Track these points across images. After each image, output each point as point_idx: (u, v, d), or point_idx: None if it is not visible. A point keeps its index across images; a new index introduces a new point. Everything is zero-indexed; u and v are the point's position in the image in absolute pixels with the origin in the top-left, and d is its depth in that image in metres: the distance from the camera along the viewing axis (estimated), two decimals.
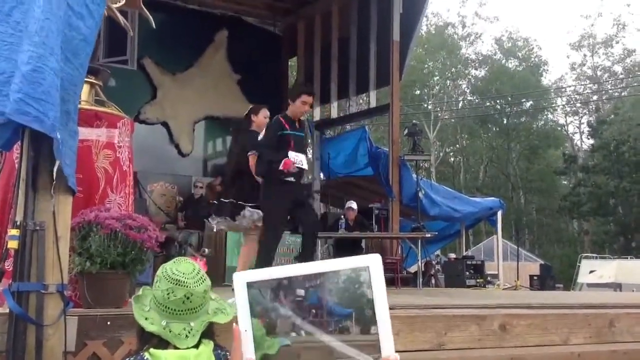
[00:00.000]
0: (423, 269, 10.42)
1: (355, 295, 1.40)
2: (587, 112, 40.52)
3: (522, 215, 36.93)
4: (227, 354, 2.14)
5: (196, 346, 2.06)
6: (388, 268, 10.17)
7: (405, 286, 10.02)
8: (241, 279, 1.43)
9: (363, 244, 10.71)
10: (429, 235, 9.59)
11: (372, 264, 1.39)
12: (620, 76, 40.10)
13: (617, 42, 40.76)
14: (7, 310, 2.51)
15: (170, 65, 12.20)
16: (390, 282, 9.53)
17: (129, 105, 7.69)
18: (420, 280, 9.41)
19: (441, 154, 36.99)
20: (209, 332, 2.15)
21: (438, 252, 16.36)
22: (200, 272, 2.13)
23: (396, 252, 10.61)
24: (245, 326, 1.41)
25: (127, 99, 8.23)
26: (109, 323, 2.79)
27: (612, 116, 35.02)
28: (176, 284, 2.05)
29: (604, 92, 40.06)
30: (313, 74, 12.92)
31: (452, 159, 40.73)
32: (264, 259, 5.71)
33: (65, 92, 2.35)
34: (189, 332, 2.05)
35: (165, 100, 12.29)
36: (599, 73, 41.24)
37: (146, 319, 2.09)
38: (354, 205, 10.18)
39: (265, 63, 12.95)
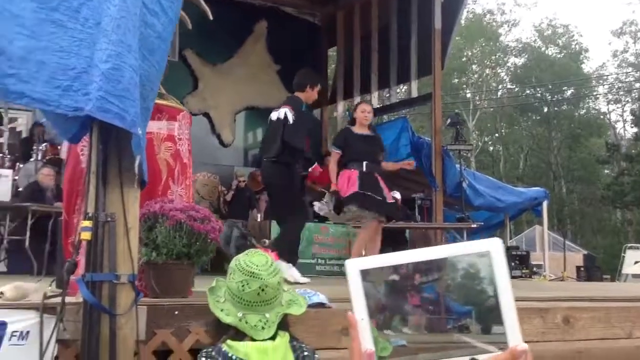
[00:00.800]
0: None
1: (475, 292, 1.35)
2: (629, 100, 39.62)
3: (564, 205, 36.36)
4: (303, 345, 2.15)
5: (273, 338, 2.07)
6: None
7: None
8: (354, 266, 1.39)
9: (407, 235, 10.66)
10: (475, 226, 9.51)
11: (493, 248, 1.34)
12: None
13: None
14: (81, 300, 2.56)
15: (211, 56, 12.28)
16: None
17: (172, 96, 7.79)
18: None
19: (480, 143, 36.57)
20: (284, 323, 2.16)
21: None
22: (274, 264, 2.14)
23: (440, 243, 10.54)
24: (362, 315, 1.37)
25: (170, 90, 8.32)
26: (176, 312, 2.83)
27: None
28: (251, 276, 2.07)
29: None
30: (353, 63, 12.87)
31: (491, 148, 40.25)
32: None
33: (143, 89, 2.39)
34: (265, 324, 2.06)
35: (207, 91, 12.38)
36: None
37: (222, 310, 2.10)
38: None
39: (304, 53, 12.93)
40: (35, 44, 2.14)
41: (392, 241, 10.15)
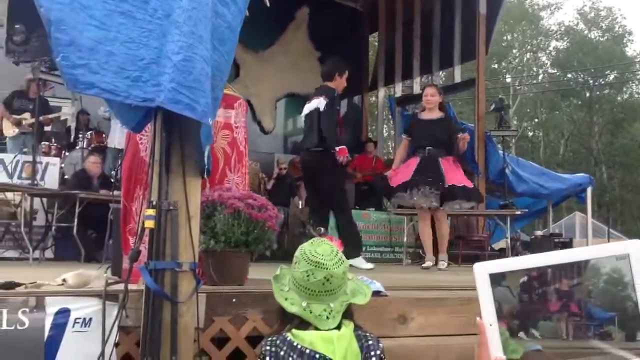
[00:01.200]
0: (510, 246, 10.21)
1: (619, 298, 1.29)
2: None
3: (605, 191, 35.70)
4: (368, 334, 2.14)
5: (338, 327, 2.06)
6: (475, 246, 10.04)
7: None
8: (483, 269, 1.34)
9: (449, 222, 10.57)
10: (519, 213, 9.39)
11: (633, 251, 1.27)
12: None
13: None
14: (143, 287, 2.59)
15: (252, 43, 12.28)
16: (477, 260, 9.40)
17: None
18: (510, 257, 9.23)
19: (520, 129, 36.06)
20: (348, 312, 2.15)
21: (518, 229, 16.03)
22: (339, 253, 2.13)
23: (483, 230, 10.44)
24: (491, 320, 1.32)
25: None
26: (234, 300, 2.85)
27: None
28: (316, 265, 2.06)
29: None
30: (395, 49, 12.77)
31: (531, 134, 39.65)
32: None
33: (214, 80, 2.40)
34: (330, 314, 2.06)
35: (248, 78, 12.41)
36: None
37: (286, 299, 2.10)
38: None
39: (346, 39, 12.88)
40: (104, 34, 2.16)
41: (434, 228, 10.08)
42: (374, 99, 14.40)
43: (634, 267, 1.23)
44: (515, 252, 11.99)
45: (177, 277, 2.52)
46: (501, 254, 10.64)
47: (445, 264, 6.73)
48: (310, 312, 2.04)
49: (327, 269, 2.04)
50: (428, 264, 6.89)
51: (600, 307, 1.27)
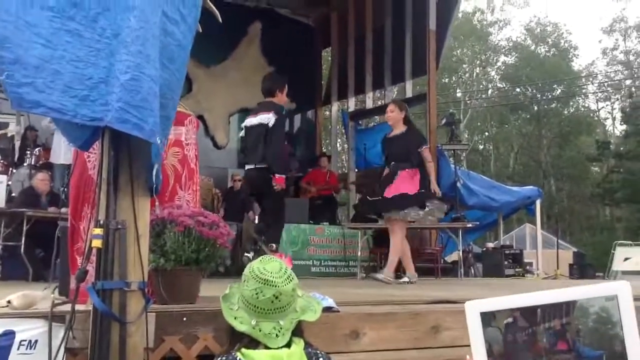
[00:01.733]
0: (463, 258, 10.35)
1: (607, 336, 1.32)
2: (619, 98, 39.88)
3: (554, 203, 36.55)
4: (318, 352, 2.14)
5: (288, 345, 2.06)
6: (427, 259, 10.14)
7: (445, 276, 9.98)
8: (474, 308, 1.36)
9: None
10: (471, 225, 9.54)
11: (620, 292, 1.31)
12: None
13: None
14: (90, 308, 2.55)
15: (204, 58, 12.24)
16: (429, 273, 9.51)
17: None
18: (462, 270, 9.37)
19: (471, 143, 36.70)
20: (298, 330, 2.15)
21: (470, 242, 16.28)
22: (288, 270, 2.13)
23: (435, 243, 10.56)
24: (480, 357, 1.34)
25: None
26: (185, 319, 2.82)
27: None
28: (265, 283, 2.05)
29: (636, 77, 39.37)
30: (347, 64, 12.89)
31: (482, 147, 40.40)
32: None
33: (164, 99, 2.39)
34: (279, 332, 2.05)
35: (200, 94, 12.37)
36: (631, 58, 40.54)
37: (235, 318, 2.09)
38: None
39: (299, 55, 12.96)
40: (50, 53, 2.14)
41: (387, 242, 10.17)
42: (328, 113, 14.50)
43: (621, 307, 1.27)
44: (467, 265, 12.18)
45: (126, 296, 2.49)
46: (454, 266, 10.78)
47: (406, 279, 6.78)
48: (260, 331, 2.03)
49: (276, 286, 2.04)
50: (379, 276, 6.96)
51: (589, 346, 1.30)
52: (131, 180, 2.51)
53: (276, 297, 2.04)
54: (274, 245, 4.78)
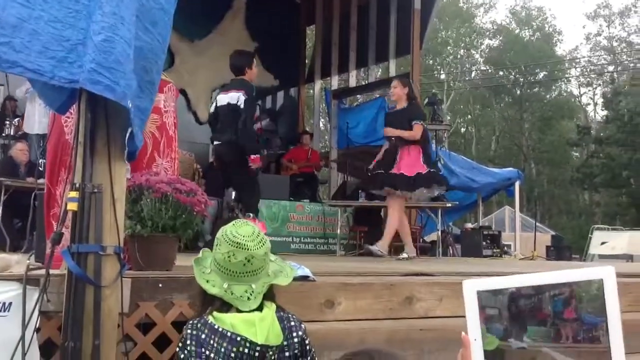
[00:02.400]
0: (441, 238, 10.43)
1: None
2: (601, 84, 40.15)
3: (534, 186, 36.87)
4: (290, 315, 2.16)
5: (260, 309, 2.07)
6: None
7: (423, 255, 10.05)
8: (471, 286, 1.39)
9: (382, 213, 10.72)
10: (450, 205, 9.60)
11: (606, 276, 1.35)
12: (637, 47, 39.62)
13: (635, 13, 40.21)
14: (65, 272, 2.55)
15: (188, 32, 12.11)
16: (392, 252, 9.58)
17: None
18: (440, 249, 9.46)
19: (453, 125, 36.82)
20: (270, 294, 2.16)
21: (450, 222, 16.41)
22: (260, 234, 2.14)
23: (414, 222, 10.62)
24: (475, 335, 1.37)
25: None
26: (160, 285, 2.82)
27: (627, 87, 34.68)
28: (237, 246, 2.06)
29: (619, 63, 39.63)
30: (331, 42, 12.83)
31: (464, 130, 40.56)
32: None
33: (147, 62, 2.38)
34: (251, 294, 2.06)
35: (183, 68, 12.24)
36: (614, 44, 40.76)
37: (207, 281, 2.10)
38: None
39: (283, 31, 12.88)
40: (28, 12, 2.11)
41: (367, 220, 10.22)
42: (311, 91, 14.45)
43: (607, 291, 1.31)
44: (446, 245, 12.27)
45: (101, 260, 2.48)
46: (432, 246, 10.86)
47: (404, 255, 6.87)
48: (232, 294, 2.04)
49: (248, 249, 2.05)
50: (374, 248, 7.07)
51: (592, 314, 1.35)
52: (108, 143, 2.49)
53: (248, 260, 2.05)
54: (251, 214, 4.80)
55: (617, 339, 1.32)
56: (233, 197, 10.63)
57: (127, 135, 2.35)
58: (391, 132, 6.76)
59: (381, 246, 6.89)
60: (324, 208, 10.26)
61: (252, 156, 6.12)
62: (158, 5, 2.41)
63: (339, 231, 9.78)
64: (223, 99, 6.34)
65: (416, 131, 6.77)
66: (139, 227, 2.89)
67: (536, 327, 1.38)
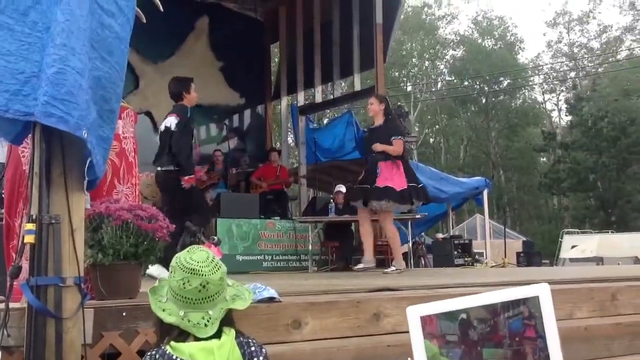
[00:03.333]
0: (412, 250, 10.50)
1: None
2: (564, 90, 40.88)
3: (503, 193, 37.29)
4: (250, 340, 2.14)
5: (218, 336, 2.05)
6: (379, 250, 10.23)
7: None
8: (415, 312, 1.40)
9: (353, 228, 10.75)
10: (419, 217, 9.66)
11: (541, 293, 1.39)
12: (597, 52, 40.46)
13: (594, 19, 41.10)
14: (25, 305, 2.50)
15: (151, 54, 12.11)
16: (381, 264, 9.60)
17: None
18: (411, 261, 9.51)
19: (421, 136, 37.15)
20: (229, 319, 2.14)
21: (422, 233, 16.52)
22: (215, 259, 2.12)
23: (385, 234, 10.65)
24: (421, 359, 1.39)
25: None
26: (124, 314, 2.79)
27: (589, 92, 35.37)
28: (191, 273, 2.04)
29: (580, 68, 40.41)
30: (296, 59, 12.90)
31: (432, 140, 40.94)
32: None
33: (106, 91, 2.38)
34: (208, 321, 2.04)
35: (148, 90, 12.22)
36: (575, 50, 41.57)
37: (164, 310, 2.08)
38: (343, 189, 10.22)
39: (247, 49, 12.93)
40: None
41: (338, 235, 10.23)
42: (279, 107, 14.50)
43: (542, 307, 1.34)
44: (418, 256, 12.34)
45: (61, 292, 2.45)
46: (405, 257, 10.91)
47: (392, 268, 6.90)
48: (189, 321, 2.02)
49: (202, 275, 2.03)
50: (360, 265, 7.15)
51: (543, 332, 1.38)
52: (64, 173, 2.47)
53: (203, 286, 2.03)
54: (215, 237, 4.78)
55: (555, 353, 1.35)
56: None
57: (87, 164, 2.33)
58: (379, 147, 6.85)
59: (397, 264, 7.02)
60: (294, 225, 10.27)
61: (186, 177, 6.22)
62: (113, 34, 2.41)
63: (310, 247, 9.78)
64: (162, 125, 6.52)
65: (397, 146, 6.92)
66: (101, 255, 2.86)
67: (493, 349, 1.41)
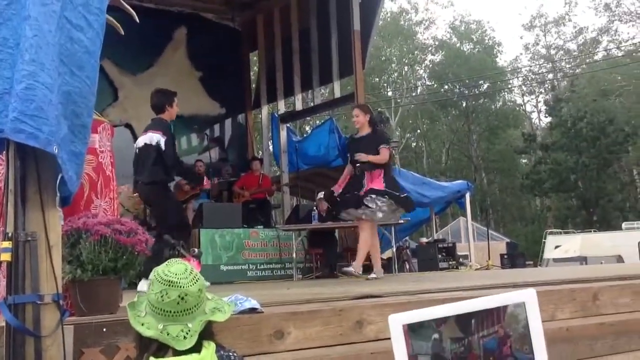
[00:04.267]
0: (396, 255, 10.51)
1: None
2: (543, 91, 41.26)
3: (486, 196, 37.51)
4: (231, 353, 2.13)
5: (198, 350, 2.04)
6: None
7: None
8: (397, 320, 1.39)
9: (336, 234, 10.76)
10: (402, 222, 9.67)
11: (527, 299, 1.39)
12: (574, 54, 40.90)
13: (570, 21, 41.55)
14: (3, 324, 2.47)
15: (130, 65, 12.06)
16: (365, 270, 9.61)
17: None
18: (395, 266, 9.52)
19: (403, 140, 37.29)
20: (209, 332, 2.12)
21: (406, 237, 16.56)
22: (193, 271, 2.11)
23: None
24: None
25: None
26: (104, 330, 2.76)
27: (568, 93, 35.71)
28: (169, 285, 2.03)
29: (558, 70, 40.81)
30: (275, 67, 12.90)
31: (414, 144, 41.10)
32: None
33: (77, 106, 2.37)
34: (187, 333, 2.02)
35: (127, 102, 12.16)
36: (552, 52, 41.98)
37: (142, 324, 2.06)
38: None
39: (226, 59, 12.93)
40: None
41: (322, 242, 10.23)
42: (259, 116, 14.49)
43: (529, 313, 1.34)
44: (402, 260, 12.37)
45: (39, 310, 2.42)
46: (389, 262, 10.92)
47: (373, 275, 6.92)
48: (168, 334, 2.00)
49: (181, 287, 2.02)
50: (350, 269, 7.18)
51: (520, 350, 1.37)
52: (40, 190, 2.45)
53: (182, 298, 2.02)
54: (195, 249, 4.77)
55: (541, 356, 1.35)
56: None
57: (58, 180, 2.31)
58: (364, 157, 6.88)
59: (356, 267, 7.06)
60: (278, 233, 10.24)
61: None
62: (83, 49, 2.40)
63: (294, 255, 9.76)
64: (141, 140, 6.54)
65: (384, 154, 6.97)
66: (79, 271, 2.84)
67: None
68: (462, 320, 1.42)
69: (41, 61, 2.20)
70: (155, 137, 6.35)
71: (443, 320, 1.43)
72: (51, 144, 2.20)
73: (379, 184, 6.92)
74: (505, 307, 1.45)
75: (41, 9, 2.26)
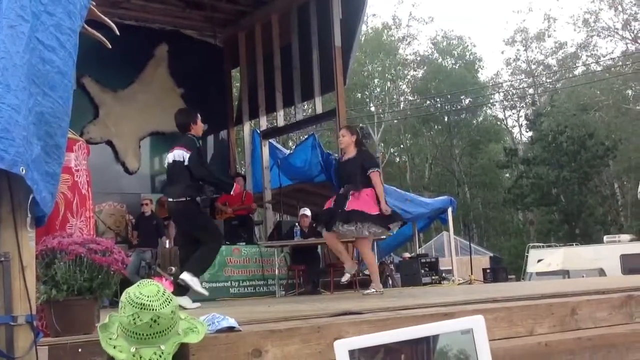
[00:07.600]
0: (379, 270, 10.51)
1: None
2: (524, 106, 41.63)
3: (469, 210, 37.66)
4: None
5: None
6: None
7: (363, 288, 10.08)
8: (343, 346, 1.38)
9: (319, 250, 10.74)
10: (385, 237, 9.68)
11: (475, 326, 1.37)
12: (554, 69, 41.36)
13: (549, 36, 42.02)
14: None
15: (110, 82, 12.04)
16: (348, 286, 9.59)
17: (71, 126, 7.53)
18: None
19: (387, 156, 37.41)
20: (183, 354, 2.11)
21: (390, 253, 16.57)
22: (166, 292, 2.09)
23: (352, 256, 10.65)
24: None
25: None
26: (80, 350, 2.73)
27: (549, 108, 36.06)
28: (141, 308, 2.01)
29: (539, 85, 41.22)
30: (257, 83, 12.93)
31: (397, 159, 41.25)
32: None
33: (50, 127, 2.36)
34: (160, 356, 2.00)
35: (108, 119, 12.13)
36: (533, 67, 42.41)
37: (114, 347, 2.04)
38: (308, 212, 10.23)
39: (207, 75, 12.94)
40: None
41: (304, 258, 10.20)
42: (241, 133, 14.49)
43: (476, 340, 1.33)
44: (384, 275, 12.37)
45: (13, 331, 2.40)
46: None
47: (372, 290, 6.82)
48: (140, 357, 1.98)
49: (153, 310, 2.00)
50: (344, 277, 7.22)
51: None
52: (13, 210, 2.43)
53: (154, 321, 2.00)
54: (172, 268, 4.74)
55: None
56: (167, 246, 10.54)
57: (30, 201, 2.30)
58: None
59: (376, 286, 6.91)
60: (260, 250, 10.22)
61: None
62: (55, 69, 2.40)
63: (277, 272, 9.73)
64: (170, 157, 6.51)
65: (376, 180, 6.83)
66: (54, 291, 2.81)
67: None
68: (392, 354, 1.40)
69: (7, 82, 2.19)
70: (177, 154, 6.33)
71: (376, 350, 1.42)
72: (17, 165, 2.19)
73: (363, 206, 6.69)
74: (435, 342, 1.43)
75: (8, 32, 2.26)
